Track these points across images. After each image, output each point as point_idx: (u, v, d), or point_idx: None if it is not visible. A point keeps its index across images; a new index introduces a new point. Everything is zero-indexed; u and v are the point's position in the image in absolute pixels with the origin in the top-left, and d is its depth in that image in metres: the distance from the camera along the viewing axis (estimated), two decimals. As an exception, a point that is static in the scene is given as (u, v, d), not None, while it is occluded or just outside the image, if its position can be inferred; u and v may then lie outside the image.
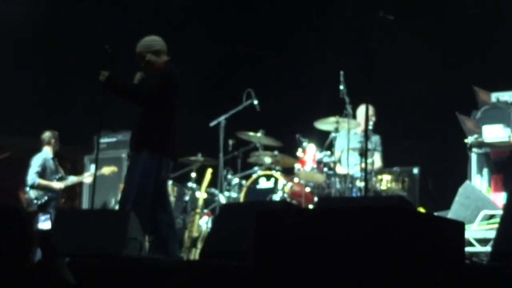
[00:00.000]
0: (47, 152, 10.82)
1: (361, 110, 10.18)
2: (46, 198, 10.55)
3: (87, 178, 11.02)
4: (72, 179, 10.91)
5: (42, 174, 10.61)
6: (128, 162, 7.54)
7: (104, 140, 11.71)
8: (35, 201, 10.52)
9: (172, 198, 10.06)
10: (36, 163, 10.64)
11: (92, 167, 11.37)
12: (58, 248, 3.58)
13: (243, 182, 10.56)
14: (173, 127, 7.46)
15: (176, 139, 7.53)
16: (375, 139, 10.25)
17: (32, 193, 10.56)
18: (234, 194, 10.43)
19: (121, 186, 10.04)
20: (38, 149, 10.87)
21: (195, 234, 9.44)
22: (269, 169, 10.44)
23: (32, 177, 10.55)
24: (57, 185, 10.68)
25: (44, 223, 3.62)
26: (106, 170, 10.78)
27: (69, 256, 5.39)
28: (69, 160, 12.53)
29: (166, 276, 5.52)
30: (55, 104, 12.14)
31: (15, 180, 12.28)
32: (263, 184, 10.37)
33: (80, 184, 11.39)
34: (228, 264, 5.32)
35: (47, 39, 11.89)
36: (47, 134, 10.90)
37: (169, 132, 7.42)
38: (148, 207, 7.25)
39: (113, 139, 11.77)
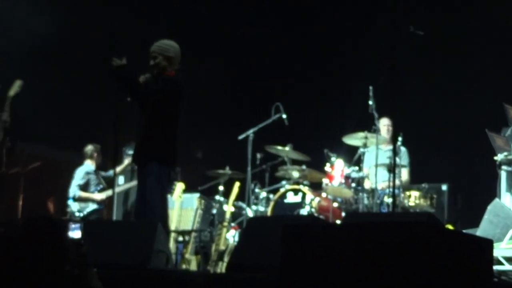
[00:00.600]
0: (88, 165, 11.03)
1: (381, 122, 10.19)
2: (88, 210, 10.69)
3: (122, 186, 11.19)
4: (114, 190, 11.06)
5: (84, 187, 10.82)
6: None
7: (132, 151, 11.75)
8: (77, 213, 10.66)
9: (199, 211, 10.08)
10: (78, 176, 10.87)
11: (121, 178, 11.45)
12: (88, 257, 3.59)
13: (271, 196, 10.56)
14: (176, 138, 7.40)
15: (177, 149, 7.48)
16: (402, 152, 10.19)
17: (74, 206, 10.71)
18: (261, 208, 10.43)
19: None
20: (80, 163, 11.16)
21: (222, 247, 9.43)
22: (297, 183, 10.43)
23: (73, 189, 10.76)
24: (98, 196, 10.84)
25: (74, 232, 3.65)
26: None
27: (96, 266, 5.40)
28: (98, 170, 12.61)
29: (192, 289, 5.52)
30: (85, 116, 12.21)
31: (44, 189, 12.37)
32: (291, 198, 10.35)
33: (110, 196, 11.44)
34: (255, 277, 5.31)
35: (77, 51, 11.96)
36: (89, 148, 11.12)
37: (174, 143, 7.37)
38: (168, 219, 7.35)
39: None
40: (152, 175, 7.16)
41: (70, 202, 10.78)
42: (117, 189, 11.19)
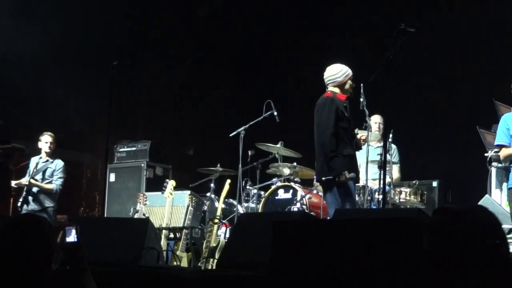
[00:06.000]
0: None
1: (373, 119, 10.20)
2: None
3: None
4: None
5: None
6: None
7: (123, 149, 11.77)
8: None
9: (190, 208, 10.09)
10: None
11: (112, 175, 11.44)
12: (85, 260, 3.60)
13: (262, 193, 10.55)
14: None
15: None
16: (393, 149, 10.20)
17: None
18: (252, 205, 10.43)
19: (140, 195, 10.08)
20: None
21: (213, 244, 9.42)
22: (288, 180, 10.43)
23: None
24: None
25: (72, 236, 3.65)
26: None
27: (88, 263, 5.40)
28: (90, 168, 12.62)
29: (183, 286, 5.53)
30: (77, 114, 12.25)
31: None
32: (282, 195, 10.34)
33: (102, 193, 11.34)
34: (245, 274, 5.32)
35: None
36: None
37: None
38: None
39: (133, 149, 11.81)
40: None
41: None
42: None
